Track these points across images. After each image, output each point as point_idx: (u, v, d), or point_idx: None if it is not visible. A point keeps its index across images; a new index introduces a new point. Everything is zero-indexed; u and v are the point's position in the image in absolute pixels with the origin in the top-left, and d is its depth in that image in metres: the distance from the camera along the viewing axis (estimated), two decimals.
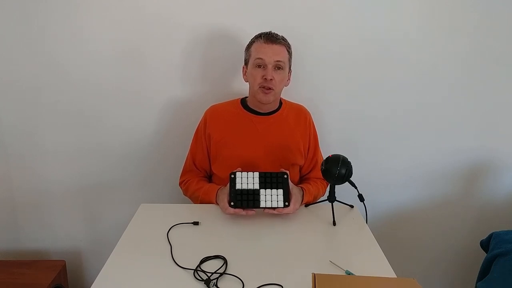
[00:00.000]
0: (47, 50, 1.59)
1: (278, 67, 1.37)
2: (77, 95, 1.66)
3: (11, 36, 1.57)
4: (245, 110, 1.48)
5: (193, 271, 1.03)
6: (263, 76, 1.36)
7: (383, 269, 1.06)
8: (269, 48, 1.36)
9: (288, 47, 1.40)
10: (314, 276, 0.88)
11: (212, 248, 1.12)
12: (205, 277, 1.00)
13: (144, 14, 1.56)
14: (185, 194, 1.53)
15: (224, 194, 1.32)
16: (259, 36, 1.40)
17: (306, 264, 1.07)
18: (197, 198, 1.44)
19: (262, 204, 1.26)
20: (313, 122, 1.56)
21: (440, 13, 1.60)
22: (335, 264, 1.06)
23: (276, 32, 1.41)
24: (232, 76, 1.65)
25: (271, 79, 1.36)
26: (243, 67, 1.47)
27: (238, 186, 1.28)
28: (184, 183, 1.52)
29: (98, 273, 1.02)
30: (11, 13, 1.55)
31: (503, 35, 1.63)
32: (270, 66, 1.36)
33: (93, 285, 0.97)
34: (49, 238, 1.86)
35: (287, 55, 1.40)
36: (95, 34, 1.58)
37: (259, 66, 1.38)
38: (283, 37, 1.40)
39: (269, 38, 1.37)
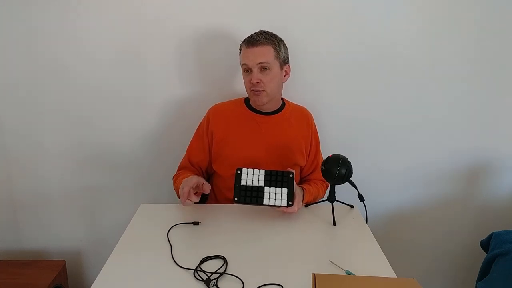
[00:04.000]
0: (46, 51, 1.59)
1: (263, 67, 1.38)
2: (77, 96, 1.66)
3: (11, 38, 1.57)
4: (248, 110, 1.48)
5: (193, 271, 1.03)
6: (250, 80, 1.38)
7: (383, 269, 1.06)
8: (250, 52, 1.37)
9: (273, 44, 1.38)
10: (314, 276, 0.88)
11: (212, 248, 1.12)
12: (205, 277, 1.00)
13: (144, 15, 1.56)
14: (174, 187, 1.48)
15: (187, 184, 1.26)
16: (243, 42, 1.41)
17: (306, 264, 1.07)
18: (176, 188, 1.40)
19: (266, 202, 1.26)
20: (315, 125, 1.56)
21: (439, 14, 1.60)
22: (335, 264, 1.06)
23: (262, 31, 1.40)
24: (233, 76, 1.65)
25: (257, 82, 1.37)
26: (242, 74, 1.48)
27: (243, 182, 1.28)
28: (175, 176, 1.49)
29: (98, 273, 1.02)
30: (10, 14, 1.55)
31: (503, 35, 1.63)
32: (255, 70, 1.37)
33: (93, 285, 0.97)
34: (49, 238, 1.86)
35: (272, 53, 1.38)
36: (95, 35, 1.58)
37: (247, 71, 1.40)
38: (266, 36, 1.38)
39: (250, 41, 1.37)
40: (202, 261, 1.07)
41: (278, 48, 1.40)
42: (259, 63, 1.36)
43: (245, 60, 1.38)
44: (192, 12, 1.57)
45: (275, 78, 1.41)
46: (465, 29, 1.62)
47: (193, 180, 1.28)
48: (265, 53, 1.37)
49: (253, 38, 1.38)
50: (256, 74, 1.37)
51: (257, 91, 1.38)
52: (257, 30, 1.42)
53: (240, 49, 1.43)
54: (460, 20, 1.61)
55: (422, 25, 1.61)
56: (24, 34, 1.57)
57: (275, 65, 1.39)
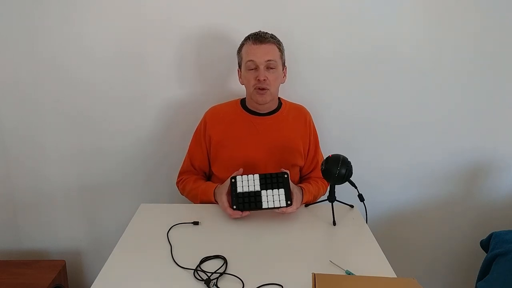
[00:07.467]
0: (46, 51, 1.59)
1: (270, 66, 1.37)
2: (76, 96, 1.66)
3: (11, 37, 1.57)
4: (244, 111, 1.48)
5: (193, 271, 1.03)
6: (256, 77, 1.36)
7: (383, 269, 1.06)
8: (258, 49, 1.35)
9: (278, 44, 1.40)
10: (314, 276, 0.88)
11: (212, 248, 1.12)
12: (205, 277, 1.00)
13: (142, 16, 1.56)
14: (182, 193, 1.53)
15: (221, 193, 1.31)
16: (247, 38, 1.39)
17: (306, 264, 1.07)
18: (195, 197, 1.44)
19: (265, 205, 1.26)
20: (313, 122, 1.55)
21: (440, 14, 1.59)
22: (335, 264, 1.06)
23: (265, 31, 1.40)
24: (231, 77, 1.64)
25: (264, 80, 1.36)
26: (238, 71, 1.47)
27: (239, 190, 1.28)
28: (181, 182, 1.52)
29: (98, 273, 1.02)
30: (11, 14, 1.55)
31: (503, 35, 1.63)
32: (262, 67, 1.36)
33: (93, 285, 0.97)
34: (49, 238, 1.86)
35: (278, 53, 1.39)
36: (94, 36, 1.58)
37: (251, 68, 1.38)
38: (272, 35, 1.39)
39: (258, 38, 1.36)
40: (202, 261, 1.07)
41: (281, 48, 1.41)
42: (267, 61, 1.36)
43: (252, 56, 1.36)
44: (192, 13, 1.57)
45: (279, 77, 1.41)
46: (465, 29, 1.62)
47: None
48: (272, 51, 1.37)
49: (260, 35, 1.37)
50: (263, 71, 1.36)
51: (262, 89, 1.37)
52: (257, 31, 1.41)
53: (242, 46, 1.41)
54: (460, 21, 1.61)
55: (422, 26, 1.61)
56: (24, 34, 1.57)
57: (279, 65, 1.40)
